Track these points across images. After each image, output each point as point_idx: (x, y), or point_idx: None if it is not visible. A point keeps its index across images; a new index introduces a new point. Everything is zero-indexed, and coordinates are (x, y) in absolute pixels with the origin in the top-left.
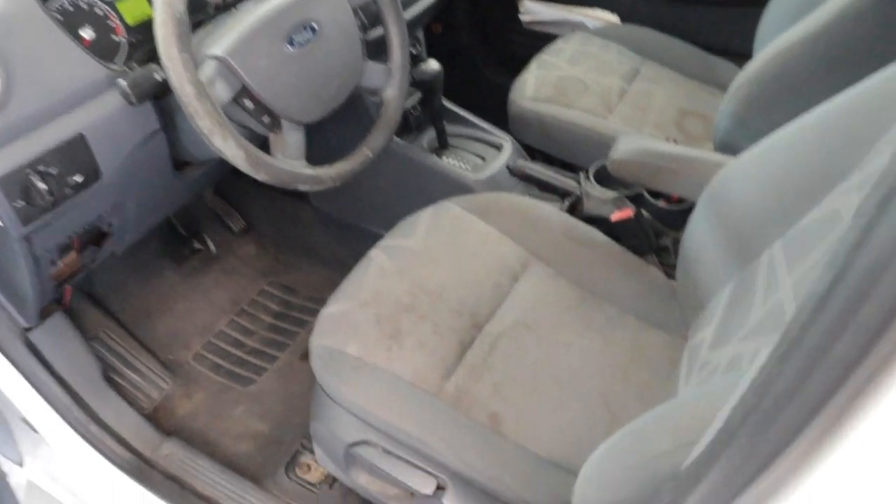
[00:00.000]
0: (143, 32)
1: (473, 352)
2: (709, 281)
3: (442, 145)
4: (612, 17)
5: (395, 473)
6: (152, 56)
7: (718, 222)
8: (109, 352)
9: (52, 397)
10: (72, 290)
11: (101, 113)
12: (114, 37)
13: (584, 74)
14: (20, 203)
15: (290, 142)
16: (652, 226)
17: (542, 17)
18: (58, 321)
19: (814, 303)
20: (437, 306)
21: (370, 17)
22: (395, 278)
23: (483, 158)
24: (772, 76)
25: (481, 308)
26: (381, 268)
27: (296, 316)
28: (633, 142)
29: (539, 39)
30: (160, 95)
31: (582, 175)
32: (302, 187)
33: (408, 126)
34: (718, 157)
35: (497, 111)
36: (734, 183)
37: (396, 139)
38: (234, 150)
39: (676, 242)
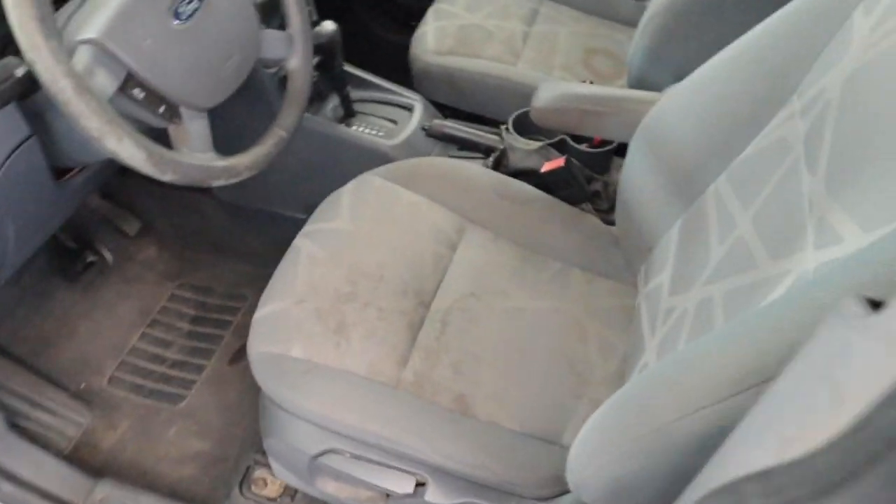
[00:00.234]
0: None
1: (425, 333)
2: (653, 223)
3: (348, 113)
4: None
5: (369, 478)
6: (6, 47)
7: (656, 162)
8: (10, 395)
9: None
10: None
11: None
12: None
13: (484, 20)
14: None
15: (194, 132)
16: (581, 172)
17: None
18: None
19: None
20: (379, 290)
21: None
22: (329, 266)
23: (395, 122)
24: (683, 6)
25: (425, 284)
26: (310, 257)
27: (215, 318)
28: (555, 88)
29: None
30: (25, 95)
31: (503, 128)
32: (216, 182)
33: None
34: (646, 94)
35: (398, 70)
36: (669, 119)
37: None
38: (132, 151)
39: (607, 186)
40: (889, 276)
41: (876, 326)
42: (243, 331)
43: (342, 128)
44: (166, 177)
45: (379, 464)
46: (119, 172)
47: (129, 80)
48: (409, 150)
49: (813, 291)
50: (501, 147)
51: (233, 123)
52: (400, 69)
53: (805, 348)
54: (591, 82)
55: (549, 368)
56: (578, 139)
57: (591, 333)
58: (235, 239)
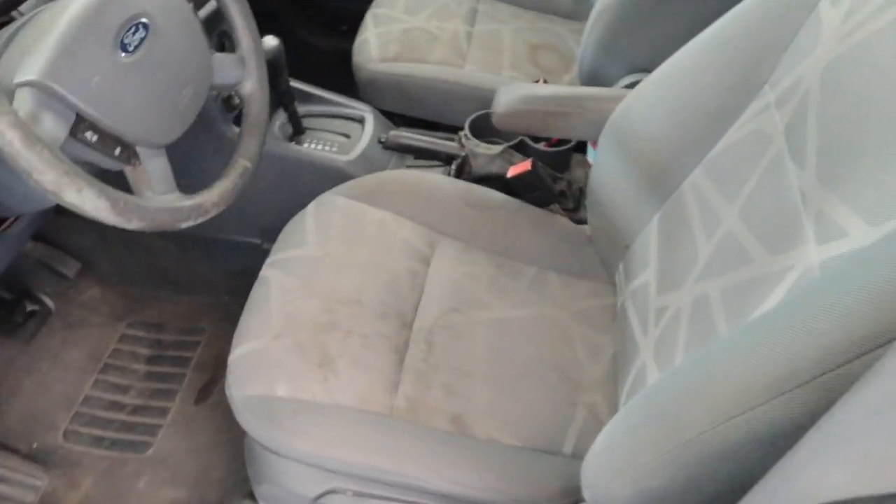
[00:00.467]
0: None
1: (412, 355)
2: (628, 220)
3: (297, 130)
4: None
5: None
6: None
7: (627, 158)
8: None
9: None
10: None
11: None
12: None
13: (426, 23)
14: None
15: (155, 172)
16: (547, 173)
17: None
18: None
19: None
20: (359, 315)
21: None
22: (303, 295)
23: (347, 136)
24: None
25: (404, 304)
26: (282, 288)
27: (173, 355)
28: (515, 91)
29: None
30: None
31: (462, 134)
32: (185, 224)
33: None
34: (609, 91)
35: (335, 77)
36: (638, 115)
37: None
38: (94, 203)
39: (570, 185)
40: None
41: None
42: (206, 366)
43: (293, 146)
44: (132, 225)
45: (384, 498)
46: (55, 212)
47: (80, 123)
48: (366, 163)
49: (833, 291)
50: (463, 154)
51: (182, 156)
52: (336, 76)
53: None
54: (545, 81)
55: (540, 377)
56: (536, 138)
57: (575, 337)
58: (185, 270)
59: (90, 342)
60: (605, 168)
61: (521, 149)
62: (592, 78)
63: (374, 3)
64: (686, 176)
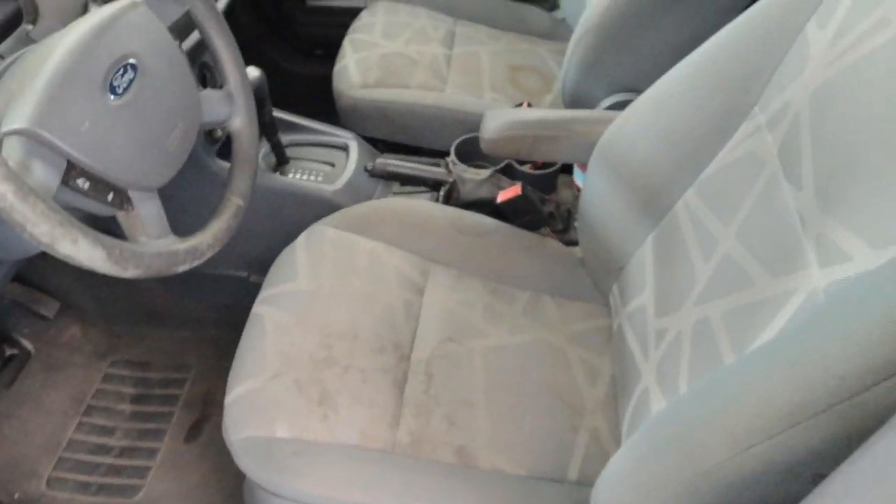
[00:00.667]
0: None
1: (412, 387)
2: (621, 242)
3: (281, 160)
4: None
5: None
6: None
7: (618, 181)
8: None
9: None
10: None
11: None
12: None
13: (405, 48)
14: None
15: (149, 216)
16: (536, 196)
17: None
18: None
19: None
20: (356, 349)
21: (175, 31)
22: (298, 331)
23: (332, 164)
24: (616, 21)
25: (400, 335)
26: (276, 325)
27: (160, 393)
28: (502, 116)
29: (327, 16)
30: None
31: (448, 160)
32: (181, 269)
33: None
34: (597, 114)
35: (313, 103)
36: (628, 137)
37: (225, 165)
38: (89, 253)
39: (559, 206)
40: None
41: None
42: (195, 403)
43: (278, 177)
44: (128, 273)
45: None
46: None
47: (71, 170)
48: (353, 192)
49: (844, 317)
50: (450, 179)
51: (171, 195)
52: (317, 102)
53: None
54: (529, 104)
55: (541, 404)
56: (522, 161)
57: (573, 360)
58: (170, 305)
59: (72, 384)
60: (595, 191)
61: (509, 172)
62: (575, 98)
63: (351, 28)
64: (678, 197)
